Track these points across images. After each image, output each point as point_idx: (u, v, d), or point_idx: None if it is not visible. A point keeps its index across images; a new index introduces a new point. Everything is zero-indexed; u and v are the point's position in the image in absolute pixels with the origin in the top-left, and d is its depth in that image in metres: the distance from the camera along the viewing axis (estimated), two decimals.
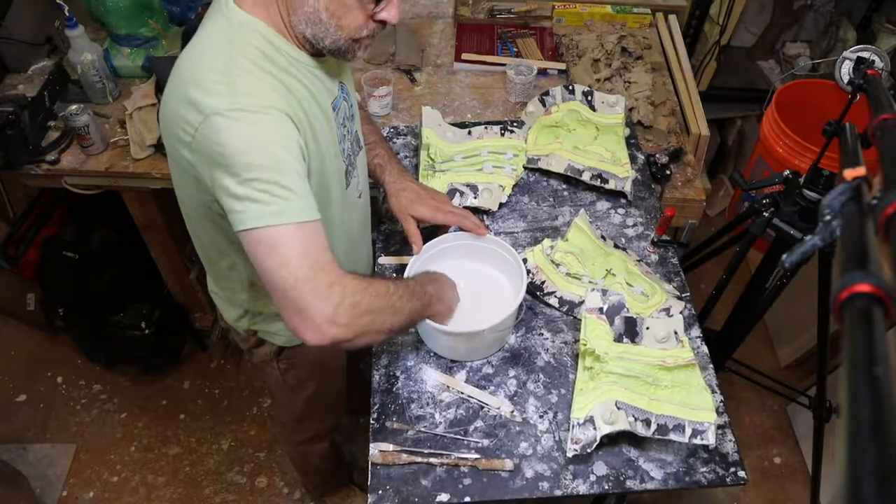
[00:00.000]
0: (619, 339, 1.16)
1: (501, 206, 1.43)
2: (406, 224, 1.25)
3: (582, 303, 1.24)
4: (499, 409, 1.14)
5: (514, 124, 1.56)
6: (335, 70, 1.05)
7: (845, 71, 1.22)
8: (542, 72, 1.88)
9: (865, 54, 1.20)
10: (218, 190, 0.89)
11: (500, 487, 1.06)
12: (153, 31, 1.85)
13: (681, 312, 1.24)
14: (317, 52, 0.99)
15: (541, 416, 1.13)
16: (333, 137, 1.04)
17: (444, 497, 1.04)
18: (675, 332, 1.18)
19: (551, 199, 1.47)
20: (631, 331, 1.17)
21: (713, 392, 1.13)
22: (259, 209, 0.86)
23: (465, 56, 1.92)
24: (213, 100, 0.86)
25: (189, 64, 0.91)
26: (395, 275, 1.33)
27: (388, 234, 1.41)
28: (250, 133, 0.86)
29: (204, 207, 0.99)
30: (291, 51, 0.95)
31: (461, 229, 1.27)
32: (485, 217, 1.41)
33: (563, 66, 1.91)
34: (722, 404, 1.14)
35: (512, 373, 1.19)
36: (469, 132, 1.54)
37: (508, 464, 1.07)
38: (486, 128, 1.54)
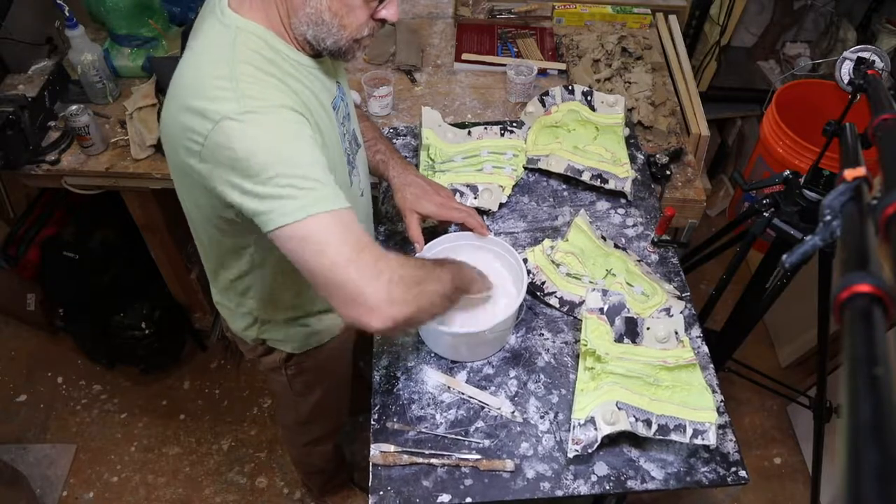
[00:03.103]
0: (619, 340, 1.16)
1: (501, 206, 1.43)
2: (409, 220, 1.24)
3: (582, 303, 1.24)
4: (499, 409, 1.14)
5: (514, 124, 1.56)
6: (332, 70, 1.05)
7: (845, 71, 1.22)
8: (542, 72, 1.88)
9: (865, 54, 1.20)
10: (235, 195, 0.86)
11: (501, 488, 1.06)
12: (153, 31, 1.85)
13: (681, 312, 1.24)
14: (315, 54, 0.98)
15: (542, 417, 1.14)
16: (336, 137, 1.04)
17: (445, 498, 1.05)
18: (676, 332, 1.18)
19: (551, 200, 1.47)
20: (631, 331, 1.17)
21: (714, 392, 1.13)
22: (285, 205, 0.83)
23: (465, 56, 1.92)
24: (222, 105, 0.84)
25: (189, 73, 0.90)
26: None
27: (389, 234, 1.41)
28: (263, 133, 0.84)
29: (214, 216, 0.98)
30: (291, 53, 0.94)
31: (463, 228, 1.27)
32: (485, 217, 1.41)
33: (563, 66, 1.91)
34: (722, 404, 1.14)
35: (513, 373, 1.19)
36: (469, 132, 1.54)
37: (509, 464, 1.07)
38: (485, 128, 1.54)
